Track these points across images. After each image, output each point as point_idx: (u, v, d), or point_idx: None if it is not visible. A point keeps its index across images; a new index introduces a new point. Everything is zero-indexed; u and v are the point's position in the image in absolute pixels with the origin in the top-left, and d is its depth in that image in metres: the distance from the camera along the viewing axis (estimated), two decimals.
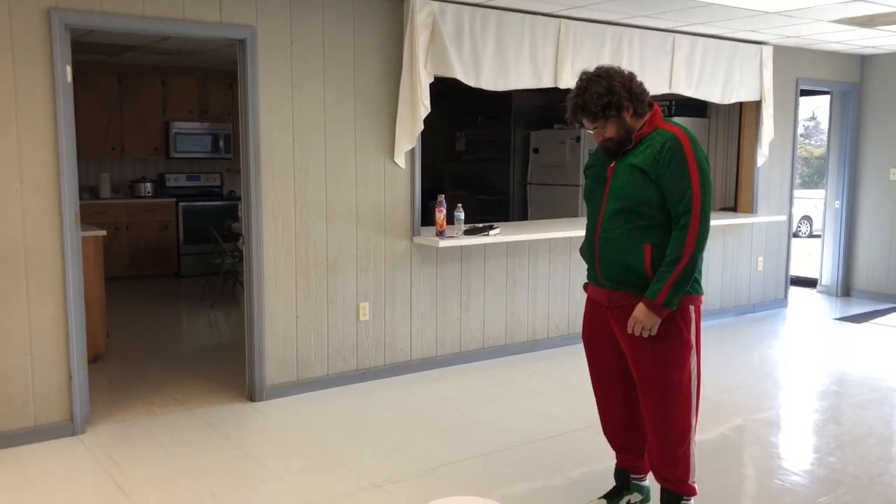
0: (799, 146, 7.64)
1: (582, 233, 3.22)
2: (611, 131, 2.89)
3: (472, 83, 5.16)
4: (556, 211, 7.68)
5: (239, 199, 9.26)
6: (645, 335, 2.84)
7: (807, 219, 16.23)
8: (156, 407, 4.58)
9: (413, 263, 5.21)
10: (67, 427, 4.09)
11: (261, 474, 3.70)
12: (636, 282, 2.90)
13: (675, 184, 2.80)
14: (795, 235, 14.93)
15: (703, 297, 3.02)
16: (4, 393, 3.94)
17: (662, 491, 3.09)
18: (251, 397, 4.71)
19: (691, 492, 3.04)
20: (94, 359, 5.15)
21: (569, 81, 5.60)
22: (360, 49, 4.86)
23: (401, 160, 5.06)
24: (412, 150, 5.09)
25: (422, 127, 4.99)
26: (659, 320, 2.81)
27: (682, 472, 3.01)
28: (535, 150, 8.38)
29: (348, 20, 4.79)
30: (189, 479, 3.59)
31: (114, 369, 5.31)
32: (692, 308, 2.95)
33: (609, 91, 2.83)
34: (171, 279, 8.90)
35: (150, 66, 8.78)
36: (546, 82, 5.52)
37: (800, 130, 7.52)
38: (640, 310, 2.83)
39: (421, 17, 4.87)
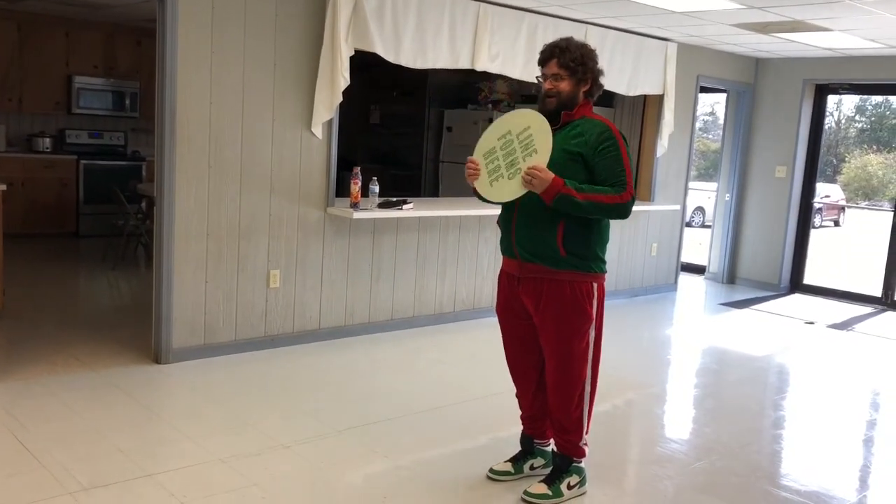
0: (697, 140, 8.09)
1: (492, 212, 3.39)
2: (565, 86, 3.09)
3: (391, 59, 5.25)
4: (467, 189, 7.81)
5: (143, 159, 9.09)
6: (525, 179, 2.95)
7: (700, 209, 17.06)
8: (57, 366, 4.51)
9: (326, 233, 5.28)
10: None
11: (168, 434, 3.75)
12: (548, 255, 3.10)
13: (611, 167, 3.04)
14: (688, 225, 15.68)
15: (606, 277, 3.26)
16: None
17: (553, 453, 3.34)
18: (157, 359, 4.70)
19: (581, 454, 3.29)
20: None
21: (485, 64, 5.77)
22: (282, 18, 4.87)
23: (318, 130, 5.11)
24: (330, 122, 5.15)
25: (340, 99, 5.05)
26: (544, 187, 2.93)
27: (574, 434, 3.25)
28: (449, 129, 8.54)
29: None
30: (95, 435, 3.59)
31: (12, 328, 5.18)
32: (595, 285, 3.19)
33: (590, 56, 3.11)
34: (70, 239, 8.62)
35: (53, 17, 8.40)
36: (463, 63, 5.67)
37: (699, 125, 7.96)
38: (549, 175, 2.94)
39: None
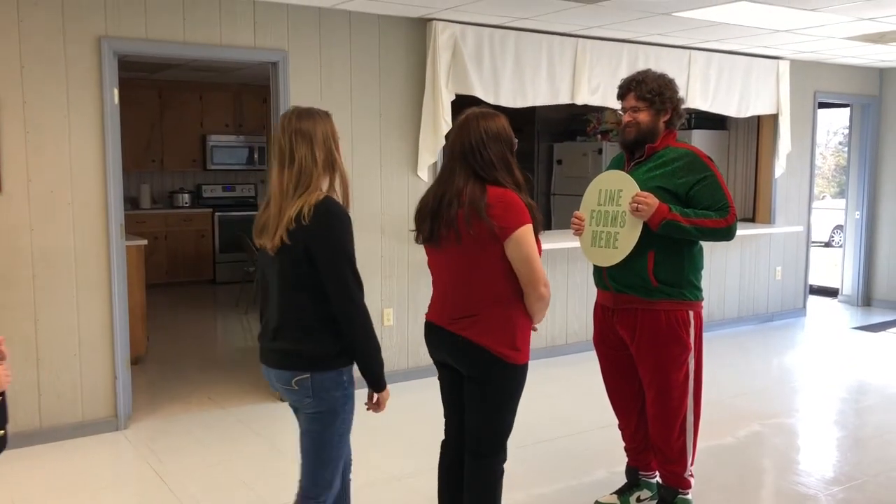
0: (838, 154, 7.75)
1: None
2: (644, 118, 3.12)
3: (490, 101, 5.41)
4: None
5: None
6: (632, 207, 3.00)
7: (840, 228, 16.14)
8: (192, 405, 4.89)
9: None
10: (112, 423, 4.41)
11: (289, 467, 3.97)
12: (639, 285, 3.12)
13: (712, 194, 3.06)
14: (828, 245, 14.89)
15: (704, 304, 3.24)
16: (56, 389, 4.27)
17: (659, 485, 3.31)
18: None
19: (686, 485, 3.25)
20: (134, 360, 5.48)
21: (585, 98, 5.84)
22: (385, 69, 5.15)
23: (423, 173, 5.33)
24: (434, 164, 5.35)
25: (443, 142, 5.25)
26: (651, 213, 2.97)
27: (678, 465, 3.22)
28: (559, 162, 8.60)
29: (374, 42, 5.09)
30: (223, 469, 3.88)
31: (153, 370, 5.65)
32: (692, 313, 3.17)
33: (668, 86, 3.14)
34: (207, 286, 9.27)
35: (188, 82, 9.18)
36: (563, 99, 5.76)
37: (839, 139, 7.64)
38: (655, 201, 2.98)
39: (443, 38, 5.14)
